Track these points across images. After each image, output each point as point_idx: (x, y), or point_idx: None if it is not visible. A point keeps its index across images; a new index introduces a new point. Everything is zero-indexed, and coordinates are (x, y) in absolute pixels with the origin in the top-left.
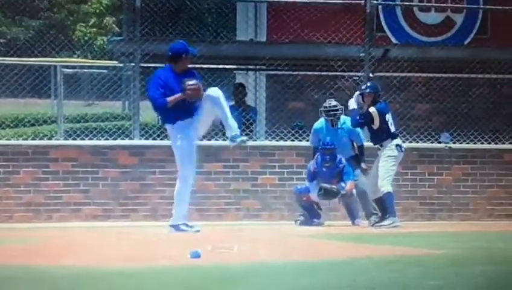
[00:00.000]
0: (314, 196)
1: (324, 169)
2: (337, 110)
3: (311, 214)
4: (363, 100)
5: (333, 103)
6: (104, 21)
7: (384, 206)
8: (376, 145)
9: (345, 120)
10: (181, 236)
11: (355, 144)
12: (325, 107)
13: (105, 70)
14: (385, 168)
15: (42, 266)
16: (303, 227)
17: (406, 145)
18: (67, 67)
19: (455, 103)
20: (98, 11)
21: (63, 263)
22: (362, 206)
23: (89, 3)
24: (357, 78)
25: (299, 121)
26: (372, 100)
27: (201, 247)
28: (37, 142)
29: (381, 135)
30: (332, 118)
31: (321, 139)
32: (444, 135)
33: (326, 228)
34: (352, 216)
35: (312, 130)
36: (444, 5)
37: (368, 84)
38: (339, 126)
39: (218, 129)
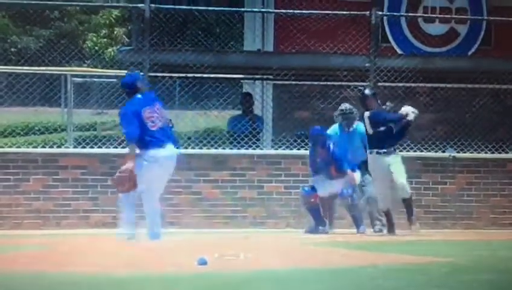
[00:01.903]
0: (322, 193)
1: (319, 159)
2: (353, 112)
3: (317, 220)
4: (367, 105)
5: (348, 106)
6: (115, 32)
7: (411, 209)
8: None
9: (358, 125)
10: (188, 243)
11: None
12: (342, 110)
13: (114, 80)
14: (403, 171)
15: (51, 272)
16: (308, 235)
17: (410, 154)
18: (77, 76)
19: (459, 112)
20: (108, 21)
21: (71, 270)
22: (369, 212)
23: (100, 15)
24: (362, 88)
25: (302, 130)
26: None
27: (208, 254)
28: (46, 150)
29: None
30: (348, 120)
31: (334, 144)
32: (449, 150)
33: (331, 236)
34: (357, 224)
35: None
36: (449, 16)
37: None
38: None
39: (225, 138)
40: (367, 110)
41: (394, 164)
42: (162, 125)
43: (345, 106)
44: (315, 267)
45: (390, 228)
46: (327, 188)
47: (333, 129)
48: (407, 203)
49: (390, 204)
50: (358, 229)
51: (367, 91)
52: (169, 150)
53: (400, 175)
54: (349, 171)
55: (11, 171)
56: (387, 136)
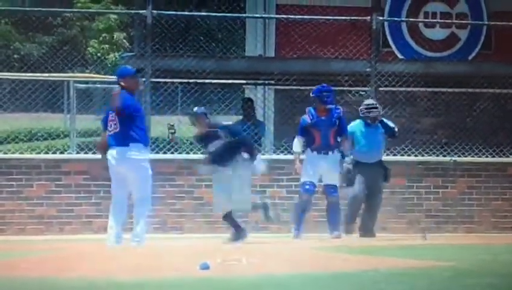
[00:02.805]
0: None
1: (323, 118)
2: (377, 107)
3: (301, 221)
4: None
5: (373, 101)
6: (115, 36)
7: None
8: None
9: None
10: (191, 248)
11: None
12: (367, 104)
13: (117, 86)
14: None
15: (54, 278)
16: (311, 240)
17: (411, 158)
18: (79, 82)
19: (460, 117)
20: (107, 26)
21: (75, 275)
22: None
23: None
24: (364, 92)
25: None
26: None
27: (211, 259)
28: (49, 156)
29: None
30: (372, 114)
31: (355, 140)
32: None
33: (333, 240)
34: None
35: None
36: (449, 21)
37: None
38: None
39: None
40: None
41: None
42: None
43: (368, 101)
44: (317, 271)
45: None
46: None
47: (356, 124)
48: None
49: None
50: (332, 232)
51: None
52: (112, 153)
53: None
54: (344, 138)
55: (15, 177)
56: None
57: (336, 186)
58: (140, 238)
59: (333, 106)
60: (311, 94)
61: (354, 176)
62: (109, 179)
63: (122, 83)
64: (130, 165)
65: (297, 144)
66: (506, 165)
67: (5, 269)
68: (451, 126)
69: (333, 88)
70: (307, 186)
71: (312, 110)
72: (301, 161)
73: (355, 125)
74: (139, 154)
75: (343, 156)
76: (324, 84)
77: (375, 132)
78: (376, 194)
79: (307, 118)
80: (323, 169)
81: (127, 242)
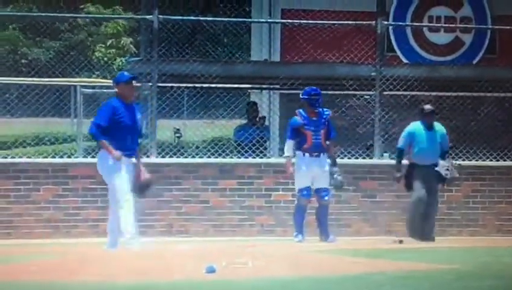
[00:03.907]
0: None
1: (314, 118)
2: (434, 111)
3: (302, 225)
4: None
5: (430, 106)
6: (122, 41)
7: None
8: None
9: (436, 125)
10: (197, 251)
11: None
12: (428, 109)
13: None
14: None
15: (61, 281)
16: (313, 243)
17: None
18: (86, 87)
19: (464, 121)
20: (115, 31)
21: (82, 278)
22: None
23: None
24: (368, 96)
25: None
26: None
27: (217, 262)
28: (56, 160)
29: None
30: (432, 120)
31: (415, 141)
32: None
33: (337, 244)
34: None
35: (405, 133)
36: (453, 25)
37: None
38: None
39: (233, 147)
40: None
41: None
42: None
43: (427, 106)
44: (323, 275)
45: None
46: None
47: (416, 125)
48: None
49: None
50: (328, 237)
51: None
52: None
53: None
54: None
55: (22, 181)
56: None
57: (327, 189)
58: (126, 239)
59: (321, 109)
60: (300, 96)
61: (411, 179)
62: None
63: (116, 89)
64: (100, 172)
65: (288, 147)
66: (510, 169)
67: (12, 273)
68: (456, 130)
69: (322, 92)
70: (305, 192)
71: (302, 112)
72: (292, 164)
73: (414, 127)
74: (99, 160)
75: (334, 164)
76: (313, 87)
77: (433, 134)
78: (433, 197)
79: (298, 118)
80: (315, 172)
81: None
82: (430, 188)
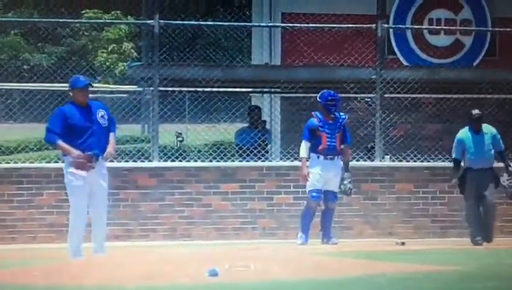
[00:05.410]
0: None
1: (330, 122)
2: (482, 116)
3: (309, 228)
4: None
5: (478, 111)
6: (123, 47)
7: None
8: None
9: (485, 127)
10: (199, 254)
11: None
12: (475, 114)
13: (125, 95)
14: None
15: (65, 285)
16: (314, 246)
17: (417, 164)
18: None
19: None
20: (117, 36)
21: (85, 283)
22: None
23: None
24: (369, 99)
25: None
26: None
27: (219, 265)
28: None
29: None
30: (479, 125)
31: (466, 147)
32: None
33: (339, 246)
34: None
35: (456, 141)
36: (453, 28)
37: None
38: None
39: (234, 151)
40: None
41: None
42: None
43: (475, 111)
44: (325, 277)
45: None
46: None
47: (464, 132)
48: None
49: None
50: (329, 240)
51: None
52: None
53: None
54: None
55: (25, 186)
56: None
57: (336, 193)
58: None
59: (338, 114)
60: (317, 99)
61: (464, 183)
62: (116, 187)
63: (71, 94)
64: None
65: (304, 148)
66: None
67: (16, 277)
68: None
69: (340, 95)
70: (315, 194)
71: (319, 114)
72: (307, 166)
73: (463, 133)
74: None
75: (347, 169)
76: (331, 91)
77: (481, 138)
78: (486, 200)
79: (314, 120)
80: (328, 175)
81: (136, 250)
82: (482, 192)
